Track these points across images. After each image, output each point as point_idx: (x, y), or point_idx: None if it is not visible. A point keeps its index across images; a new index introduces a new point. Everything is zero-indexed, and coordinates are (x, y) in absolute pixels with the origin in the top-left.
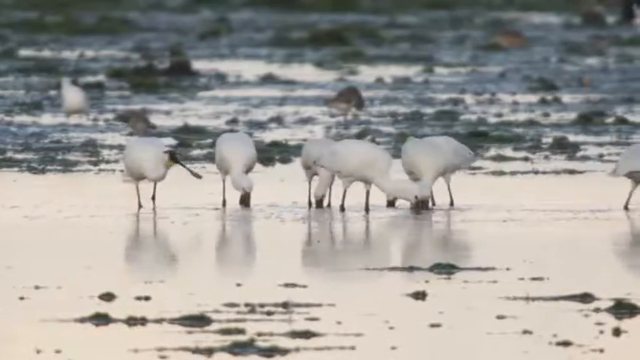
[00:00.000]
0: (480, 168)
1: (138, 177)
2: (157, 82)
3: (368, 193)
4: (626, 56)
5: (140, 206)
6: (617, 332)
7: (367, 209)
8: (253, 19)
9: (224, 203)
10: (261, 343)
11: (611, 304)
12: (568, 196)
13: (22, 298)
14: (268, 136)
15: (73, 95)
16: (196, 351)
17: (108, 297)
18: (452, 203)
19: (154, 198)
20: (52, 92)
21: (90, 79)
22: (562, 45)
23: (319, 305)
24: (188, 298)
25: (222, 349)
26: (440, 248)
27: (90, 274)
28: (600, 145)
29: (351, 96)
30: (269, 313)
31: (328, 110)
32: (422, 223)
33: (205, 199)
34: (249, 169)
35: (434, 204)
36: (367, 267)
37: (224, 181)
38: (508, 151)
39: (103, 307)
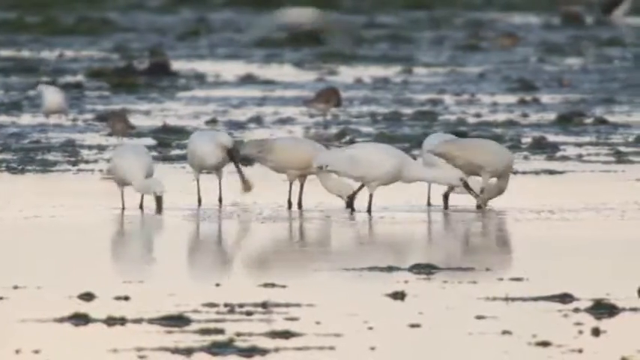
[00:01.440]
0: None
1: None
2: (137, 82)
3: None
4: (605, 57)
5: (123, 207)
6: (596, 332)
7: (370, 210)
8: (233, 19)
9: (199, 202)
10: (240, 343)
11: (590, 304)
12: (547, 196)
13: (0, 298)
14: (248, 137)
15: (52, 96)
16: (175, 351)
17: (87, 297)
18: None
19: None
20: (32, 92)
21: (69, 79)
22: (541, 45)
23: (298, 305)
24: (167, 298)
25: (202, 349)
26: (419, 248)
27: (69, 274)
28: (580, 145)
29: (330, 96)
30: (248, 313)
31: (307, 110)
32: (400, 224)
33: (183, 199)
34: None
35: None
36: (346, 267)
37: (198, 180)
38: None
39: (83, 307)
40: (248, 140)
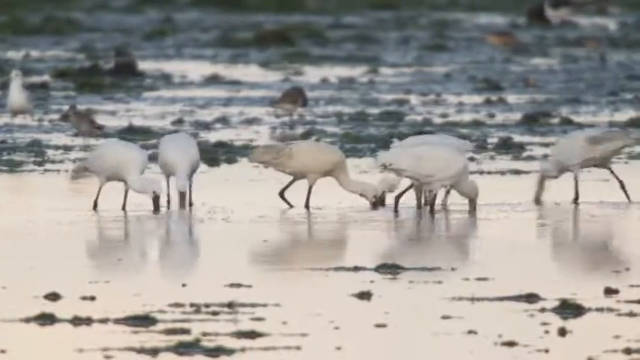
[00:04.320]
0: None
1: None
2: (103, 82)
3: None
4: (571, 57)
5: (95, 207)
6: (562, 332)
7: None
8: (199, 19)
9: (167, 203)
10: (206, 343)
11: (556, 304)
12: (513, 196)
13: None
14: (214, 137)
15: (16, 95)
16: (141, 351)
17: (53, 297)
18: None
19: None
20: None
21: (35, 79)
22: (507, 45)
23: (264, 305)
24: (133, 298)
25: (168, 349)
26: (385, 248)
27: (35, 274)
28: (546, 145)
29: (296, 96)
30: (214, 313)
31: (273, 111)
32: (367, 223)
33: (149, 200)
34: (193, 171)
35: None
36: (312, 267)
37: (168, 182)
38: None
39: (49, 307)
40: (258, 147)
